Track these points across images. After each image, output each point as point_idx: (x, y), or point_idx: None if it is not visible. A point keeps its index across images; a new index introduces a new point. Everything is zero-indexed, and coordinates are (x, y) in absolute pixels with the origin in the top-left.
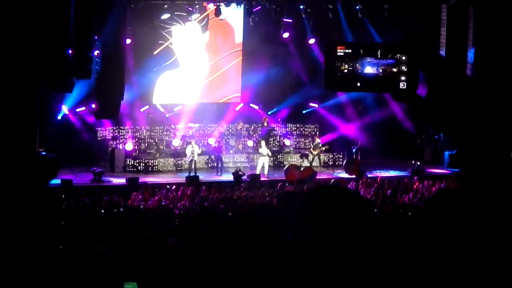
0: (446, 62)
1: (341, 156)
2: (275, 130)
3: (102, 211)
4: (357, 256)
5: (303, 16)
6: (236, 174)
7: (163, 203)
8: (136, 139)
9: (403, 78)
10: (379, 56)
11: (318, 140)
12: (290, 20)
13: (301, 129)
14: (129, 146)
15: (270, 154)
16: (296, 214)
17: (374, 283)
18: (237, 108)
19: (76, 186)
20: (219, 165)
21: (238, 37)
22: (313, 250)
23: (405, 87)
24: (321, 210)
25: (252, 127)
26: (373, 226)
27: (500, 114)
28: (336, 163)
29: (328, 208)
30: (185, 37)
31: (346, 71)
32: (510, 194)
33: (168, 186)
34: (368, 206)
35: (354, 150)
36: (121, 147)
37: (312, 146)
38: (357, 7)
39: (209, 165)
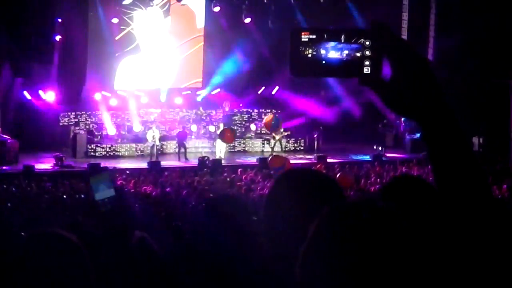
0: (408, 46)
1: (302, 141)
2: (236, 115)
3: (64, 196)
4: (324, 235)
5: (265, 0)
6: (202, 160)
7: (125, 189)
8: (98, 125)
9: (367, 63)
10: (343, 41)
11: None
12: (251, 5)
13: (263, 114)
14: (89, 132)
15: None
16: (268, 196)
17: (340, 262)
18: (198, 93)
19: (38, 171)
20: (182, 150)
21: (200, 22)
22: (283, 231)
23: (369, 72)
24: (292, 192)
25: (214, 112)
26: (340, 205)
27: (460, 98)
28: (298, 148)
29: (298, 190)
30: (146, 22)
31: (310, 56)
32: (471, 177)
33: (128, 171)
34: (338, 188)
35: (315, 135)
36: (82, 133)
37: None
38: None
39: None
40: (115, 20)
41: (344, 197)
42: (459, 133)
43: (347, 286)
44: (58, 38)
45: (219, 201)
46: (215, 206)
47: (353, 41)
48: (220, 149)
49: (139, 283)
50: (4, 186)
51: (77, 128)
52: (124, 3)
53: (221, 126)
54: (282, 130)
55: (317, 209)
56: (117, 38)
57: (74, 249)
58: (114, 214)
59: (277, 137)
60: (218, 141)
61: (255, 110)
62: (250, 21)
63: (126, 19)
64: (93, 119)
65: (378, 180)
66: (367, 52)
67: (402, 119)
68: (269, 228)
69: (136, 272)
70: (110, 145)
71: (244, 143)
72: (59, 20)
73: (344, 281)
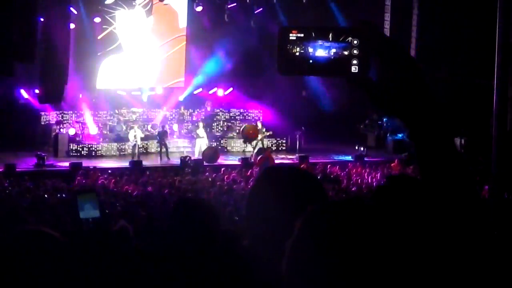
0: (397, 45)
1: (284, 141)
2: (218, 115)
3: (46, 195)
4: (310, 233)
5: (247, 0)
6: (184, 159)
7: (107, 188)
8: (80, 124)
9: (354, 61)
10: (330, 40)
11: (261, 125)
12: (234, 5)
13: (245, 114)
14: (71, 131)
15: (206, 136)
16: (249, 195)
17: (327, 260)
18: (180, 96)
19: (20, 171)
20: (163, 149)
21: (182, 22)
22: (265, 230)
23: (356, 71)
24: (273, 190)
25: (195, 112)
26: (326, 204)
27: (442, 99)
28: (280, 148)
29: (279, 188)
30: (129, 22)
31: (298, 54)
32: (458, 176)
33: (109, 171)
34: (319, 185)
35: (297, 135)
36: (64, 132)
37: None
38: None
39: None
40: (97, 20)
41: (327, 195)
42: (446, 132)
43: (334, 285)
44: (40, 37)
45: (187, 202)
46: (183, 206)
47: (341, 39)
48: (200, 151)
49: (115, 270)
50: None
51: (59, 127)
52: (106, 2)
53: (201, 125)
54: (264, 130)
55: (299, 207)
56: (99, 37)
57: (58, 246)
58: (96, 234)
59: (259, 137)
60: (197, 141)
61: (241, 110)
62: (233, 21)
63: (109, 18)
64: (75, 118)
65: (359, 181)
66: (355, 51)
67: (384, 119)
68: (251, 227)
69: (112, 258)
70: (91, 145)
71: (225, 143)
72: (41, 19)
73: (331, 279)
